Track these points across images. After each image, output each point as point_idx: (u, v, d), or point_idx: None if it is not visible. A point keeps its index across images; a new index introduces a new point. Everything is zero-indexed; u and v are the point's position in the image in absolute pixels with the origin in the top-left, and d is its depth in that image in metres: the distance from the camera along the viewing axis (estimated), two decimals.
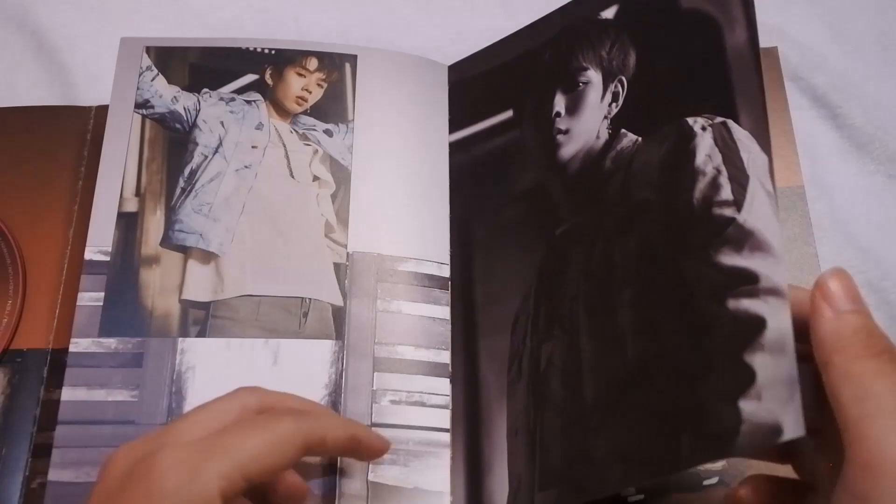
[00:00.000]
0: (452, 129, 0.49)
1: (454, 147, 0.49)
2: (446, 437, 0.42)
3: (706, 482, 0.41)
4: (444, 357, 0.44)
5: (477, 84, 0.50)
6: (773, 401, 0.31)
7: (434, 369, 0.43)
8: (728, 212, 0.35)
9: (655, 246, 0.37)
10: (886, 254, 0.48)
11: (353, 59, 0.51)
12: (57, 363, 0.45)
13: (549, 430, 0.38)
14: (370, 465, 0.41)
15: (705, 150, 0.37)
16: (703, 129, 0.37)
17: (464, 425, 0.42)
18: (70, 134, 0.51)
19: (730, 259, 0.34)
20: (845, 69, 0.53)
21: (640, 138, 0.40)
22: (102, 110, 0.52)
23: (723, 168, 0.36)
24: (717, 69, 0.38)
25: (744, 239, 0.34)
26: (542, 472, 0.38)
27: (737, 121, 0.36)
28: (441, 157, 0.49)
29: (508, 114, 0.47)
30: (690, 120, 0.38)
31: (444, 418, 0.42)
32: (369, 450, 0.38)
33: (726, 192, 0.35)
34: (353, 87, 0.50)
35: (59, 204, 0.49)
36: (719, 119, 0.37)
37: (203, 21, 0.57)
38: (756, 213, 0.34)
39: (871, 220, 0.49)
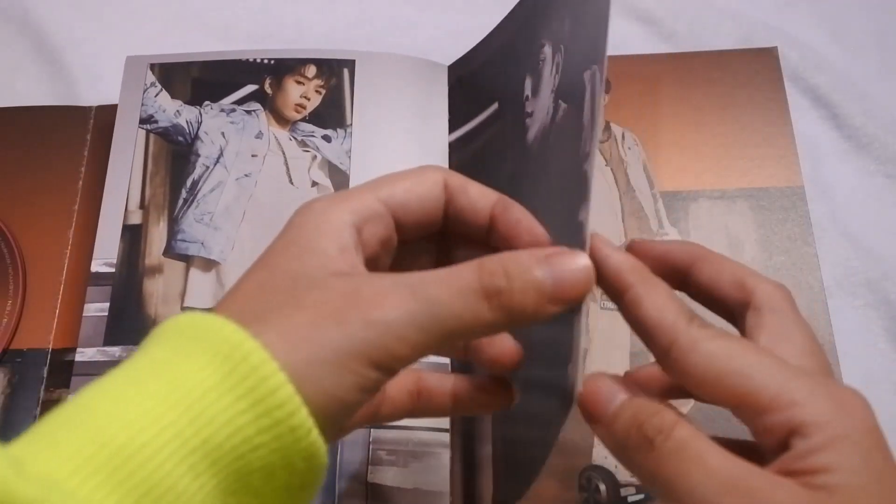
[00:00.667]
0: (452, 129, 0.49)
1: (454, 146, 0.49)
2: (446, 437, 0.42)
3: None
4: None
5: (472, 81, 0.50)
6: (576, 360, 0.28)
7: (433, 368, 0.43)
8: (586, 165, 0.31)
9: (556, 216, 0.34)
10: (886, 254, 0.48)
11: (350, 63, 0.51)
12: (57, 363, 0.45)
13: (519, 426, 0.38)
14: (370, 466, 0.41)
15: (588, 103, 0.33)
16: (589, 81, 0.33)
17: (461, 425, 0.42)
18: (70, 134, 0.51)
19: (581, 214, 0.30)
20: (845, 69, 0.53)
21: (567, 106, 0.37)
22: (102, 110, 0.52)
23: (590, 119, 0.32)
24: (602, 12, 0.33)
25: (585, 188, 0.30)
26: (516, 466, 0.38)
27: (602, 64, 0.32)
28: (441, 158, 0.49)
29: (495, 107, 0.47)
30: (585, 75, 0.34)
31: (443, 418, 0.42)
32: (515, 229, 0.30)
33: (587, 145, 0.31)
34: (350, 91, 0.50)
35: (59, 204, 0.49)
36: (594, 66, 0.33)
37: (203, 21, 0.57)
38: (591, 160, 0.30)
39: (871, 220, 0.49)
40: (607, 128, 0.50)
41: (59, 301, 0.46)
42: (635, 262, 0.28)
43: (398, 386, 0.32)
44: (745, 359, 0.25)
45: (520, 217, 0.30)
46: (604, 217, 0.47)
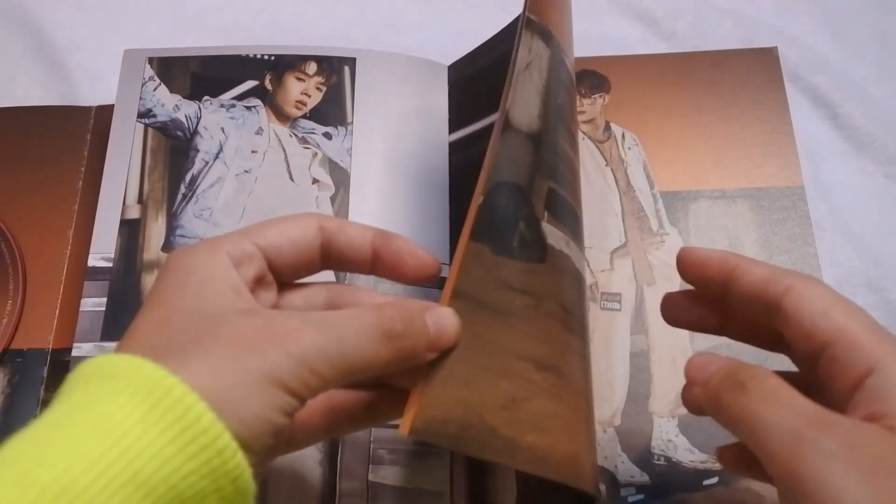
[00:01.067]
0: (452, 129, 0.49)
1: (454, 147, 0.49)
2: None
3: (706, 482, 0.41)
4: None
5: (474, 82, 0.50)
6: None
7: None
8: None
9: None
10: (886, 254, 0.48)
11: (351, 61, 0.51)
12: (57, 363, 0.45)
13: None
14: (370, 465, 0.41)
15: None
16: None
17: None
18: (70, 134, 0.51)
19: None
20: (845, 69, 0.53)
21: None
22: (102, 110, 0.52)
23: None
24: None
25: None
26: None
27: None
28: (441, 157, 0.49)
29: None
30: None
31: None
32: (398, 258, 0.33)
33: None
34: (351, 89, 0.50)
35: (59, 204, 0.49)
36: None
37: (203, 21, 0.57)
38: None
39: (871, 220, 0.49)
40: (607, 128, 0.50)
41: (59, 301, 0.46)
42: (729, 251, 0.32)
43: (310, 410, 0.33)
44: (849, 305, 0.29)
45: (401, 245, 0.33)
46: (604, 217, 0.47)
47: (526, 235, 0.33)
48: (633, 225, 0.47)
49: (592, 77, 0.51)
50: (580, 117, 0.50)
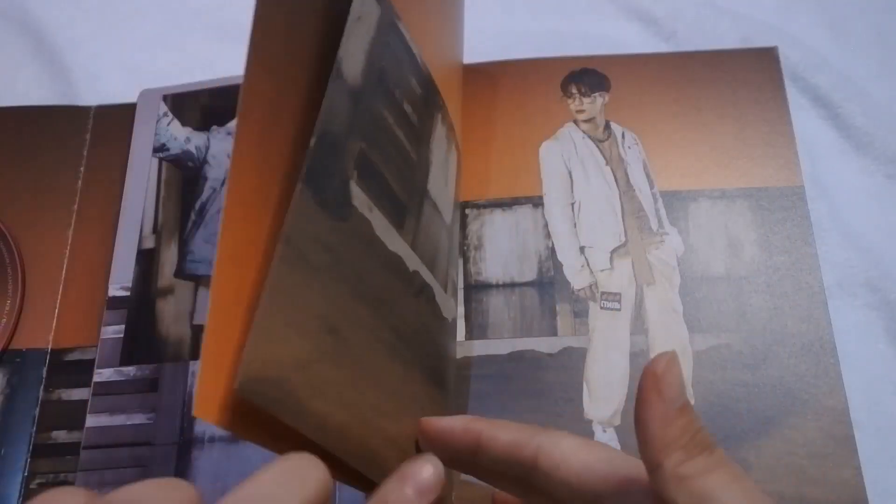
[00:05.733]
0: None
1: None
2: None
3: None
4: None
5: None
6: None
7: None
8: None
9: None
10: (886, 254, 0.48)
11: None
12: (56, 363, 0.45)
13: None
14: None
15: None
16: None
17: None
18: (70, 134, 0.51)
19: None
20: (845, 69, 0.53)
21: None
22: (102, 110, 0.52)
23: None
24: None
25: None
26: None
27: None
28: None
29: None
30: None
31: None
32: None
33: None
34: None
35: (58, 204, 0.49)
36: None
37: (202, 21, 0.57)
38: None
39: (871, 220, 0.49)
40: (607, 127, 0.50)
41: (59, 301, 0.46)
42: (471, 416, 0.31)
43: None
44: (602, 449, 0.29)
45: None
46: (603, 216, 0.47)
47: (337, 190, 0.31)
48: (633, 224, 0.47)
49: (592, 76, 0.51)
50: (580, 116, 0.50)
